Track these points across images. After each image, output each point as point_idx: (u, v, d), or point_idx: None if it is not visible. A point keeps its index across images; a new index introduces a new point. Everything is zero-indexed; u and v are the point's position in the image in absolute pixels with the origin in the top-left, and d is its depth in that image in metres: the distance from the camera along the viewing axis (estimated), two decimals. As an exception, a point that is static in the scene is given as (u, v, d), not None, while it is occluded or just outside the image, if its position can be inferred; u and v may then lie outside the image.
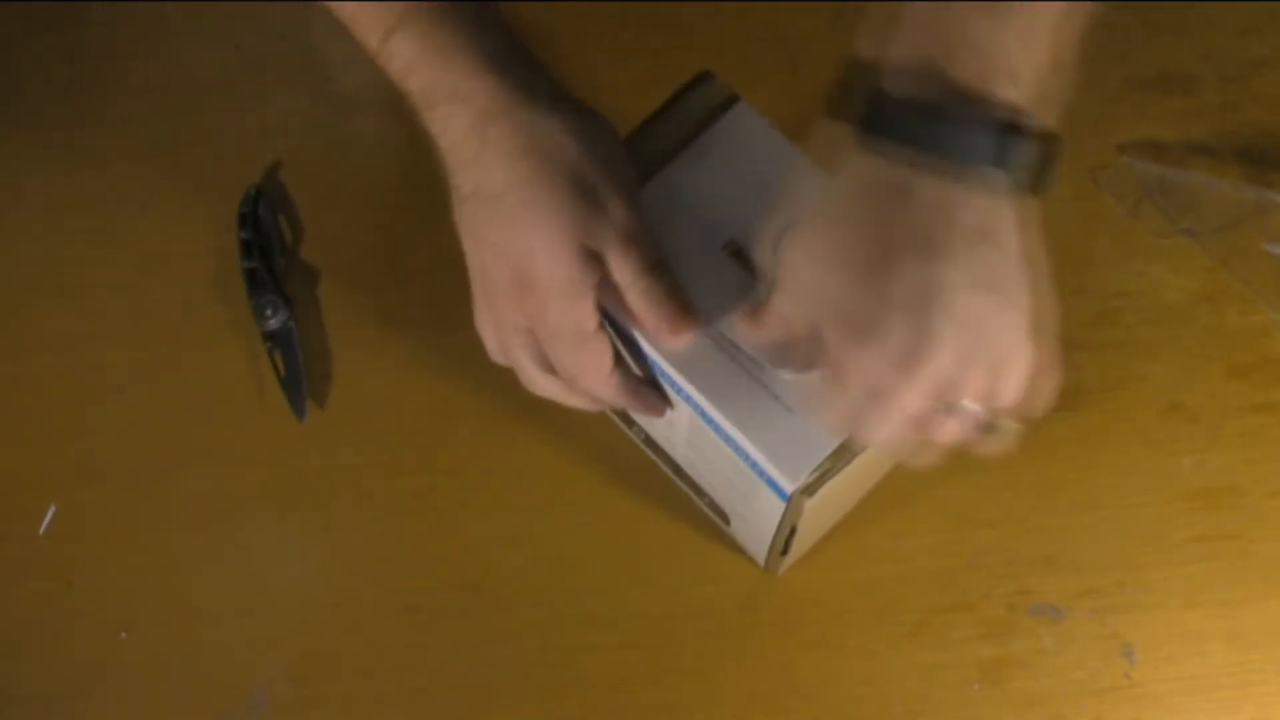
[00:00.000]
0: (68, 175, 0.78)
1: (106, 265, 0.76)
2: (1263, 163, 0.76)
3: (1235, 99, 0.78)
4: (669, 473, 0.70)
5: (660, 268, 0.56)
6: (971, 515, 0.70)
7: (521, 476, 0.71)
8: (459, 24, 0.55)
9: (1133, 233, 0.75)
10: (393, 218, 0.77)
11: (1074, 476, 0.71)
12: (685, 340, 0.56)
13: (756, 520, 0.62)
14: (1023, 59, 0.46)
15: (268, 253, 0.75)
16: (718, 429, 0.57)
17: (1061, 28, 0.46)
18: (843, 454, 0.55)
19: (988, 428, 0.52)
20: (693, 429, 0.60)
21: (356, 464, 0.72)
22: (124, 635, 0.69)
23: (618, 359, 0.58)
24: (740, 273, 0.57)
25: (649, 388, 0.60)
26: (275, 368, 0.73)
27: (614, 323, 0.58)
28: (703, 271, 0.57)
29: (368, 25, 0.55)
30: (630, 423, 0.69)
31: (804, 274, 0.50)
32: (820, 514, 0.61)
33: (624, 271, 0.55)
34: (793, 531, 0.61)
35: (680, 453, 0.65)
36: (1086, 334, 0.73)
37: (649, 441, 0.69)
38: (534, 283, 0.55)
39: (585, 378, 0.58)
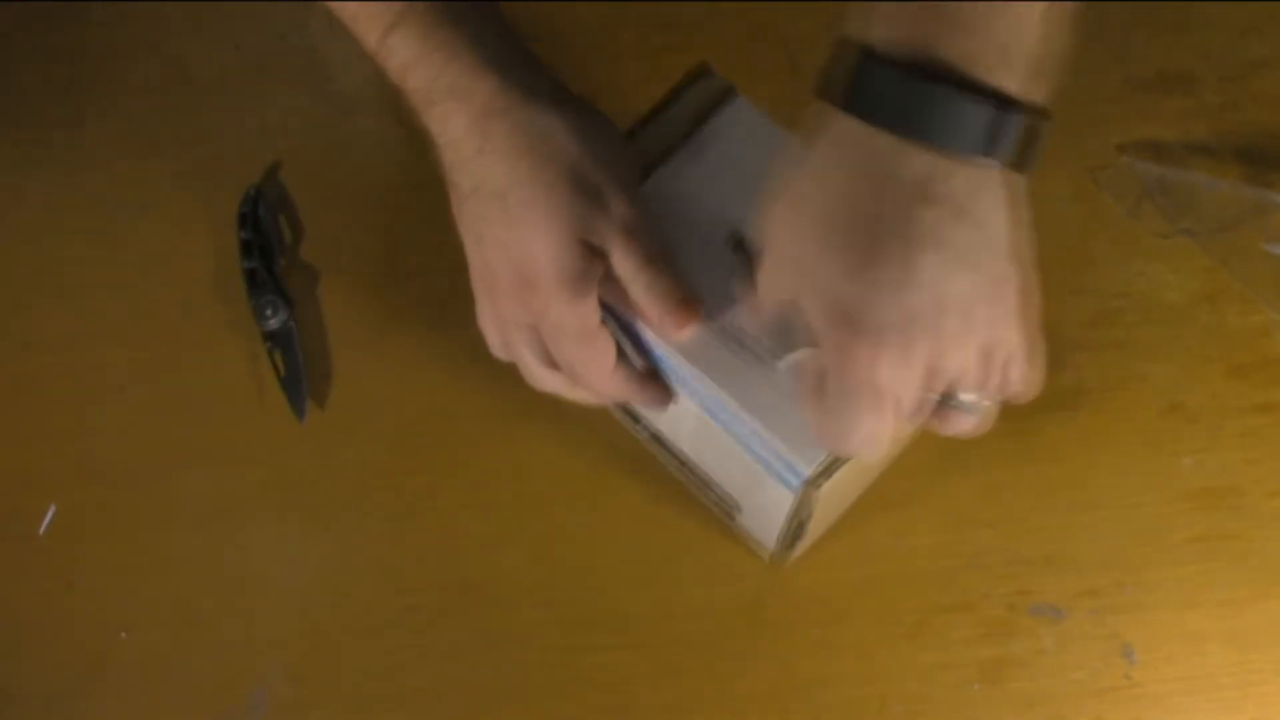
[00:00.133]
0: (68, 175, 0.78)
1: (106, 265, 0.76)
2: (1263, 163, 0.76)
3: (1235, 99, 0.78)
4: (674, 468, 0.70)
5: (662, 261, 0.56)
6: (971, 515, 0.70)
7: (521, 476, 0.71)
8: (458, 22, 0.55)
9: (1133, 233, 0.75)
10: (393, 218, 0.77)
11: (1074, 476, 0.71)
12: (690, 331, 0.56)
13: (765, 512, 0.62)
14: (1013, 38, 0.45)
15: (268, 253, 0.75)
16: (725, 422, 0.57)
17: (1053, 6, 0.46)
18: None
19: (966, 407, 0.52)
20: (699, 423, 0.60)
21: (356, 464, 0.72)
22: (124, 635, 0.69)
23: (620, 352, 0.59)
24: (743, 264, 0.58)
25: (651, 380, 0.60)
26: (275, 368, 0.73)
27: (616, 317, 0.58)
28: (705, 264, 0.57)
29: (367, 23, 0.55)
30: (635, 419, 0.69)
31: (786, 251, 0.49)
32: (830, 504, 0.62)
33: (626, 266, 0.55)
34: (802, 523, 0.61)
35: (686, 447, 0.65)
36: (1086, 334, 0.73)
37: (654, 437, 0.69)
38: (536, 280, 0.55)
39: (588, 372, 0.58)
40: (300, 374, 0.73)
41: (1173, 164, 0.76)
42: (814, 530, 0.66)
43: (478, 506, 0.71)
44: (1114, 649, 0.68)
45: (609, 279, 0.56)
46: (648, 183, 0.59)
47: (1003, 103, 0.45)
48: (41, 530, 0.71)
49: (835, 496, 0.60)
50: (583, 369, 0.58)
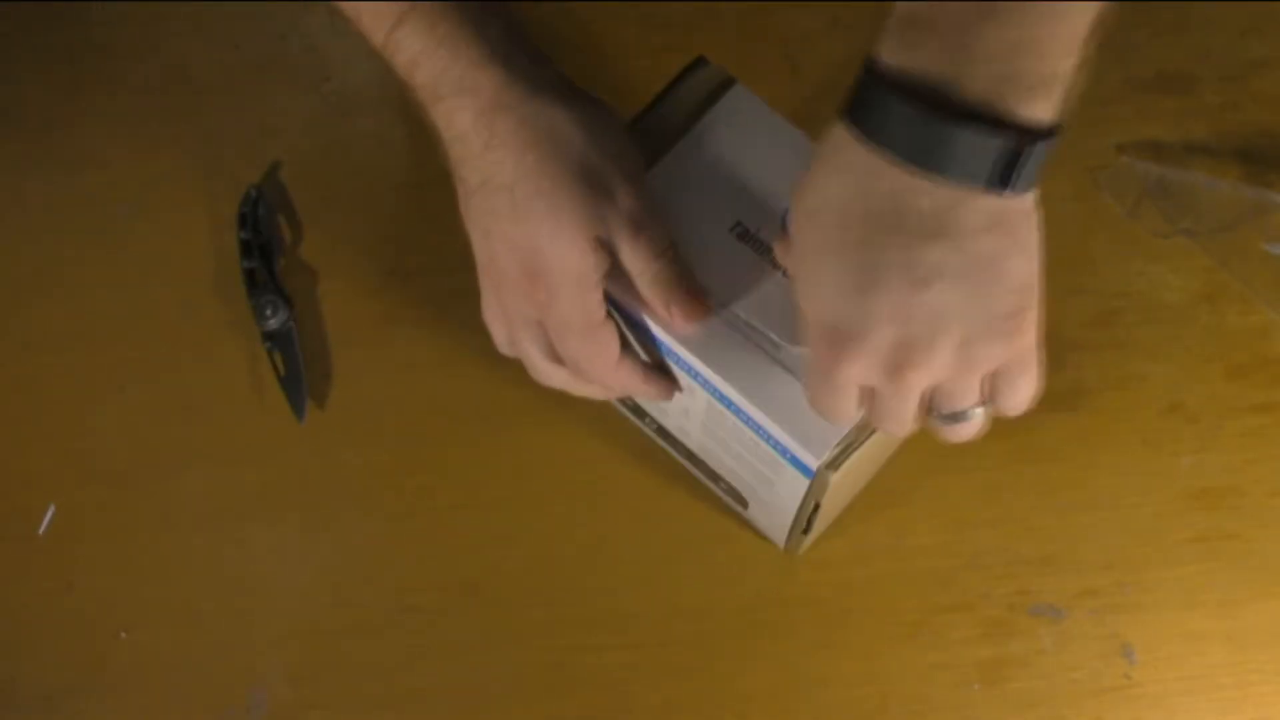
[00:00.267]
0: (68, 175, 0.78)
1: (106, 265, 0.76)
2: (1262, 163, 0.76)
3: (1235, 99, 0.78)
4: (683, 461, 0.70)
5: (671, 253, 0.56)
6: (971, 515, 0.70)
7: (521, 476, 0.71)
8: (465, 17, 0.55)
9: (1132, 233, 0.75)
10: (393, 218, 0.77)
11: (1074, 476, 0.71)
12: (700, 324, 0.56)
13: (778, 501, 0.63)
14: (1038, 70, 0.44)
15: (268, 253, 0.75)
16: (737, 411, 0.58)
17: (1079, 32, 0.44)
18: (865, 427, 0.56)
19: (960, 418, 0.52)
20: (709, 414, 0.60)
21: (356, 464, 0.72)
22: (124, 635, 0.69)
23: (624, 345, 0.59)
24: (749, 253, 0.58)
25: (657, 373, 0.60)
26: (275, 368, 0.73)
27: (621, 310, 0.58)
28: (712, 254, 0.58)
29: (374, 20, 0.55)
30: (641, 415, 0.69)
31: (801, 272, 0.50)
32: (843, 488, 0.62)
33: (635, 259, 0.55)
34: (816, 509, 0.61)
35: (695, 440, 0.66)
36: (1086, 334, 0.73)
37: (661, 431, 0.69)
38: (543, 274, 0.55)
39: (593, 367, 0.59)
40: (300, 374, 0.73)
41: (1172, 164, 0.76)
42: (828, 516, 0.66)
43: (478, 506, 0.71)
44: (1114, 649, 0.68)
45: (615, 272, 0.56)
46: (651, 173, 0.59)
47: (1024, 135, 0.44)
48: (41, 530, 0.71)
49: (848, 482, 0.61)
50: (587, 364, 0.58)
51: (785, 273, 0.57)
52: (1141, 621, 0.68)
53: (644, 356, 0.60)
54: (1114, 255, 0.75)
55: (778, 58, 0.79)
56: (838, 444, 0.56)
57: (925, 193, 0.44)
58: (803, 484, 0.58)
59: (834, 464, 0.56)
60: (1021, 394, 0.51)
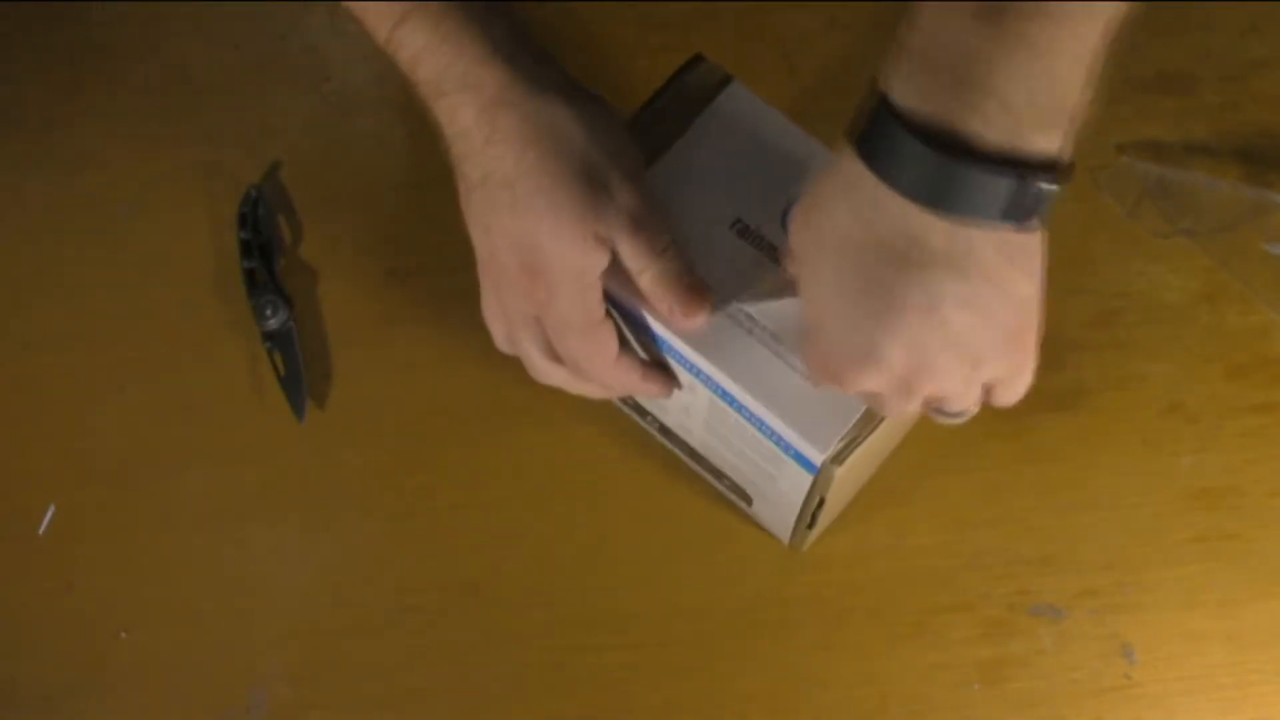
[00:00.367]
0: (68, 175, 0.78)
1: (106, 265, 0.76)
2: (1262, 163, 0.76)
3: (1235, 99, 0.78)
4: (686, 459, 0.70)
5: (671, 251, 0.56)
6: (971, 515, 0.70)
7: (521, 476, 0.71)
8: (468, 14, 0.55)
9: (1132, 233, 0.75)
10: (393, 218, 0.77)
11: (1074, 476, 0.71)
12: (701, 321, 0.56)
13: (782, 496, 0.63)
14: (1054, 103, 0.43)
15: (268, 253, 0.75)
16: (739, 407, 0.58)
17: (1091, 61, 0.44)
18: (869, 419, 0.56)
19: (950, 415, 0.53)
20: (712, 411, 0.60)
21: (356, 464, 0.72)
22: (124, 635, 0.69)
23: (623, 343, 0.59)
24: (750, 249, 0.58)
25: (656, 370, 0.60)
26: (275, 368, 0.73)
27: (620, 307, 0.58)
28: (713, 250, 0.58)
29: (378, 15, 0.55)
30: (642, 413, 0.69)
31: (812, 297, 0.50)
32: (848, 482, 0.62)
33: (635, 257, 0.55)
34: (821, 503, 0.61)
35: (698, 438, 0.66)
36: (1086, 334, 0.73)
37: (663, 429, 0.69)
38: (542, 271, 0.55)
39: (591, 365, 0.59)
40: (300, 374, 0.73)
41: (1172, 164, 0.76)
42: (833, 510, 0.66)
43: (478, 506, 0.71)
44: (1114, 649, 0.68)
45: (615, 269, 0.56)
46: (651, 171, 0.59)
47: (1041, 173, 0.43)
48: (41, 530, 0.71)
49: (852, 476, 0.61)
50: (586, 362, 0.59)
51: (787, 269, 0.57)
52: (1141, 621, 0.68)
53: (643, 354, 0.60)
54: (1114, 255, 0.75)
55: (776, 58, 0.79)
56: (842, 438, 0.56)
57: (939, 229, 0.45)
58: (807, 479, 0.58)
59: (839, 458, 0.56)
60: (1016, 393, 0.52)
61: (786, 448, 0.57)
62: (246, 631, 0.69)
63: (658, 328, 0.58)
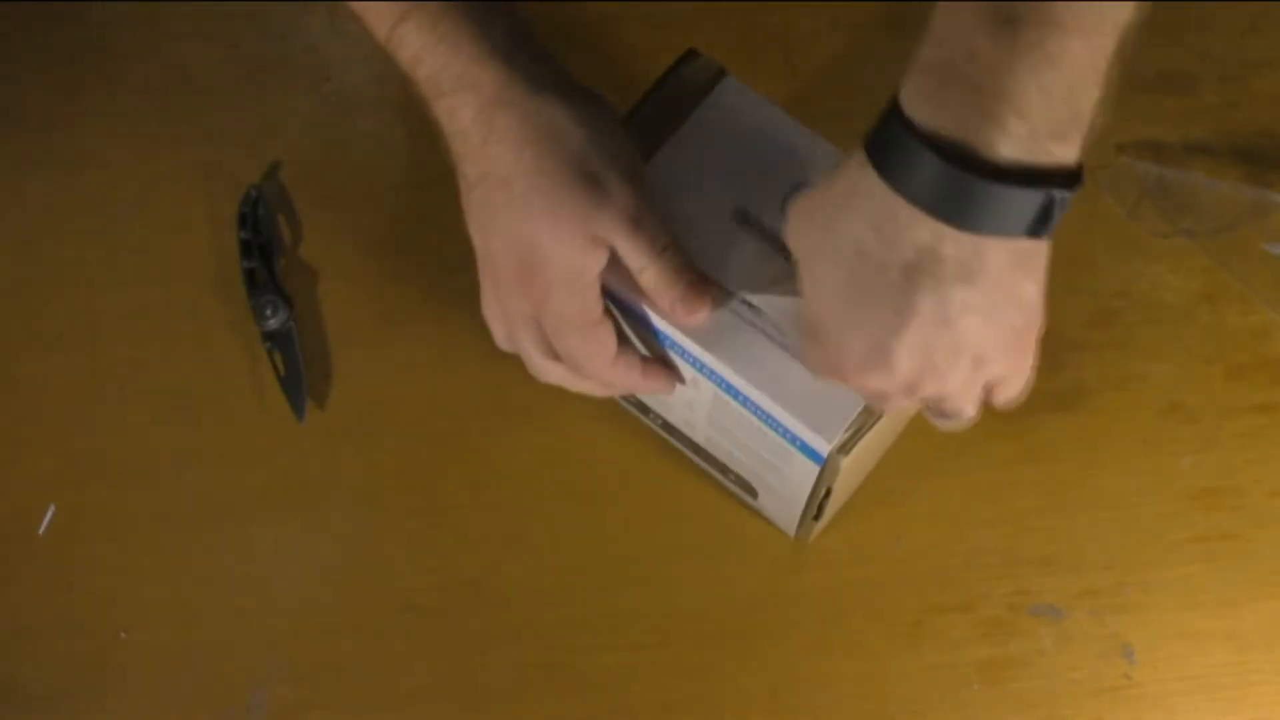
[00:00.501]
0: (68, 175, 0.78)
1: (106, 265, 0.76)
2: (1262, 163, 0.76)
3: (1235, 99, 0.78)
4: (690, 455, 0.70)
5: (671, 248, 0.56)
6: (971, 515, 0.70)
7: (522, 476, 0.71)
8: (467, 13, 0.55)
9: (1133, 233, 0.75)
10: (393, 218, 0.77)
11: (1074, 476, 0.71)
12: (704, 316, 0.57)
13: (788, 488, 0.63)
14: (1068, 109, 0.43)
15: (268, 253, 0.75)
16: (744, 400, 0.58)
17: (1107, 65, 0.44)
18: (872, 409, 0.56)
19: (950, 415, 0.53)
20: (715, 405, 0.60)
21: (356, 464, 0.72)
22: (124, 635, 0.69)
23: (622, 341, 0.59)
24: (751, 239, 0.58)
25: (656, 366, 0.60)
26: (275, 368, 0.73)
27: (620, 304, 0.58)
28: (714, 242, 0.58)
29: (378, 14, 0.56)
30: (646, 410, 0.69)
31: (819, 306, 0.50)
32: (854, 472, 0.62)
33: (635, 256, 0.56)
34: (828, 494, 0.61)
35: (702, 433, 0.66)
36: (1086, 334, 0.73)
37: (667, 426, 0.69)
38: (540, 270, 0.55)
39: (590, 363, 0.59)
40: (300, 374, 0.73)
41: (1172, 164, 0.76)
42: (838, 501, 0.66)
43: (478, 506, 0.71)
44: (1114, 649, 0.68)
45: (614, 266, 0.56)
46: (648, 166, 0.59)
47: (1054, 182, 0.43)
48: (41, 530, 0.71)
49: (858, 465, 0.61)
50: (585, 360, 0.59)
51: (788, 257, 0.57)
52: (1141, 621, 0.68)
53: (643, 351, 0.60)
54: (1114, 255, 0.75)
55: (777, 58, 0.79)
56: (847, 428, 0.56)
57: (952, 240, 0.45)
58: (813, 470, 0.58)
59: (845, 448, 0.56)
60: (1014, 393, 0.52)
61: (792, 439, 0.57)
62: (246, 631, 0.69)
63: (659, 323, 0.58)
